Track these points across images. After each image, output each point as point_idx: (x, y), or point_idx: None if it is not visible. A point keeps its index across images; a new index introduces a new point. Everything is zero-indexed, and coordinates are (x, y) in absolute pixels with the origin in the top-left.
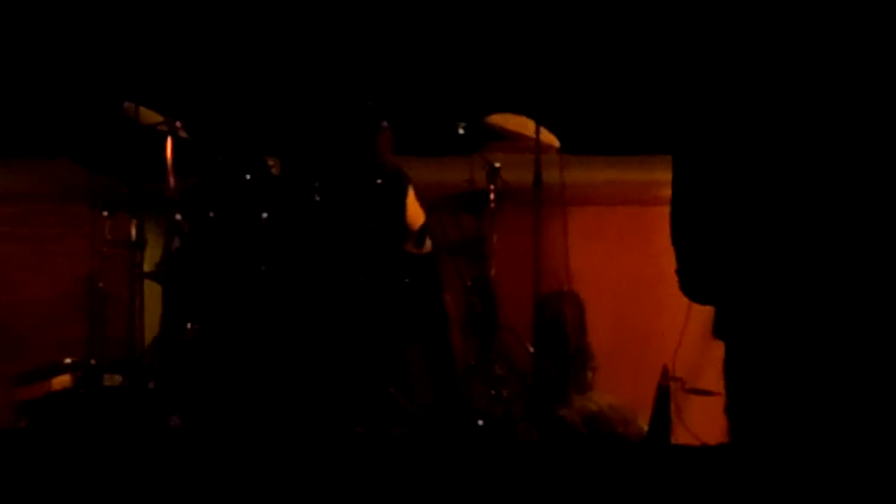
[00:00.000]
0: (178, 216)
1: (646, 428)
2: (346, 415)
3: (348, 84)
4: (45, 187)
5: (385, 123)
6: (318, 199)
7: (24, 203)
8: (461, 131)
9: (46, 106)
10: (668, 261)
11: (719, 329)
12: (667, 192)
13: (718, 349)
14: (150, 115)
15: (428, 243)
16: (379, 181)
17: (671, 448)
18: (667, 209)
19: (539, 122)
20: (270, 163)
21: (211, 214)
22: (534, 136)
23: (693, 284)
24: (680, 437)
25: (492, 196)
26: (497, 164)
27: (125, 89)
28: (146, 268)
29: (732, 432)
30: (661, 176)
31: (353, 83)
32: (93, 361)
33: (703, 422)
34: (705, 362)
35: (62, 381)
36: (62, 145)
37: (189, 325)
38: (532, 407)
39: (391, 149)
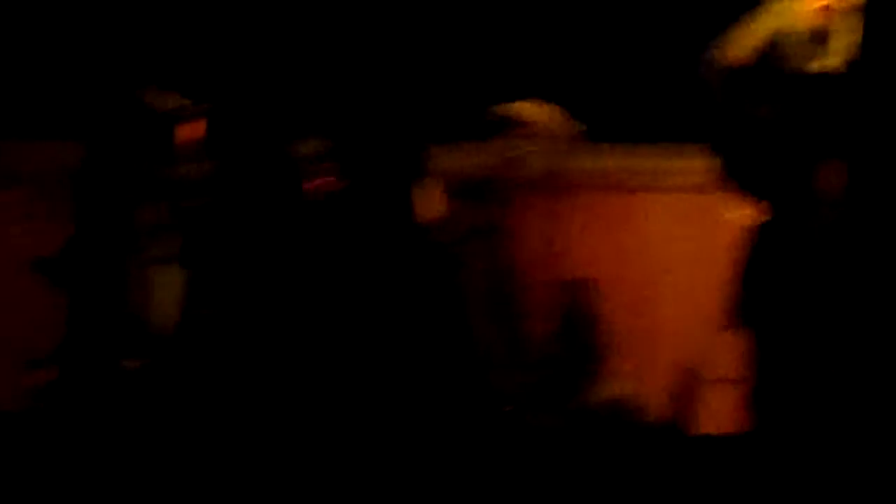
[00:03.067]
0: (196, 202)
1: (667, 416)
2: (370, 403)
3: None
4: (52, 171)
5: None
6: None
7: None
8: (480, 118)
9: (56, 88)
10: (685, 249)
11: (744, 317)
12: (683, 179)
13: (739, 337)
14: (168, 99)
15: (448, 231)
16: (397, 168)
17: (692, 437)
18: (685, 196)
19: (557, 110)
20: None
21: (231, 200)
22: (552, 123)
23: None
24: (701, 425)
25: (511, 183)
26: (516, 152)
27: (146, 71)
28: (163, 253)
29: (755, 420)
30: (678, 164)
31: (373, 68)
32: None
33: (724, 410)
34: (726, 350)
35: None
36: (71, 128)
37: (206, 311)
38: (553, 394)
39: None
